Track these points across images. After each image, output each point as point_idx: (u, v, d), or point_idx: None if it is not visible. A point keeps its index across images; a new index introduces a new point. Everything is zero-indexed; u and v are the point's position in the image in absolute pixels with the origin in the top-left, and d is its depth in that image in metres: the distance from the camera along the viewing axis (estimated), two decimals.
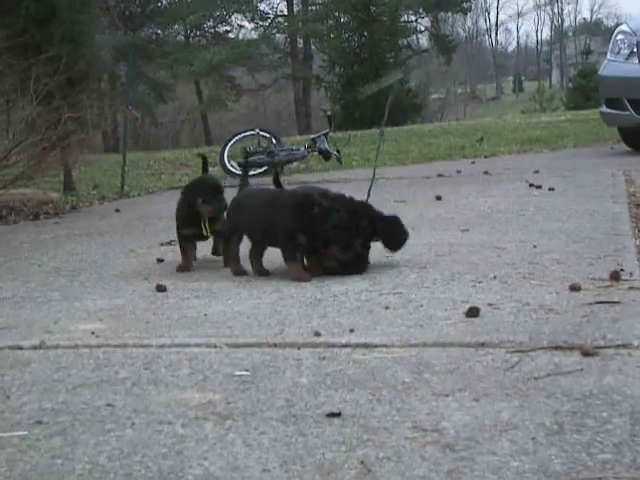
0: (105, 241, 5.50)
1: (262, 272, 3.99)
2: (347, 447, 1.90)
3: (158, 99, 34.71)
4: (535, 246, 4.20)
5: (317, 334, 2.82)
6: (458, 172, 8.49)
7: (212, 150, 14.18)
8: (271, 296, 3.50)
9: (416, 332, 2.79)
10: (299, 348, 2.70)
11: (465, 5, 38.52)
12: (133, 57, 19.00)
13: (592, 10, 79.70)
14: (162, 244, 5.03)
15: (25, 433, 2.09)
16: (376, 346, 2.66)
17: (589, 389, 2.17)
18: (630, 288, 3.20)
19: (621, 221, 4.79)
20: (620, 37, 9.25)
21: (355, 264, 3.84)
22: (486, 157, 10.59)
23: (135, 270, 4.34)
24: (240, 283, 3.83)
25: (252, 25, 37.32)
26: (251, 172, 10.25)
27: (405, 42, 35.11)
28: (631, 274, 3.42)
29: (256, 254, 4.04)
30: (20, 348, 2.89)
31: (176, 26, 36.50)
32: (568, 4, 79.05)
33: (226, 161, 10.47)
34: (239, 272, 4.03)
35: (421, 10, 36.90)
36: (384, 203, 4.58)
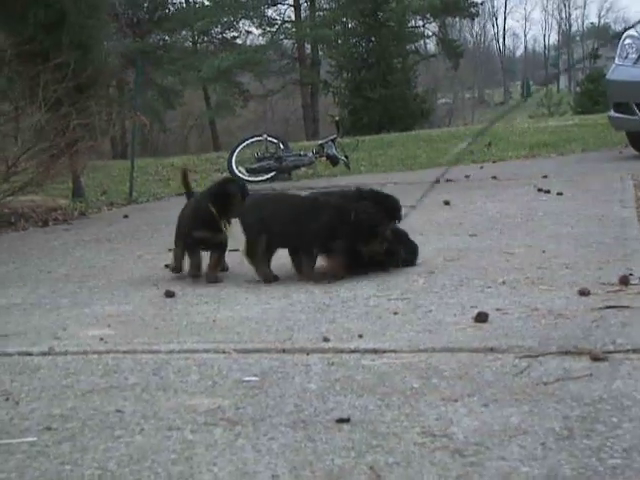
0: (114, 247, 5.52)
1: (272, 277, 3.95)
2: (356, 453, 1.90)
3: (166, 105, 34.82)
4: (544, 251, 4.19)
5: (326, 340, 2.82)
6: (467, 177, 8.47)
7: (220, 156, 14.23)
8: (280, 302, 3.50)
9: (425, 337, 2.79)
10: (308, 354, 2.69)
11: (473, 10, 38.51)
12: (141, 63, 19.11)
13: (599, 15, 79.60)
14: (170, 250, 5.02)
15: (34, 439, 2.09)
16: (385, 351, 2.66)
17: (599, 394, 2.16)
18: (639, 293, 3.20)
19: (630, 225, 4.77)
20: (628, 41, 9.22)
21: (396, 251, 3.96)
22: (494, 162, 10.55)
23: (144, 276, 4.35)
24: (248, 288, 3.83)
25: (260, 31, 37.49)
26: (259, 177, 10.31)
27: (413, 47, 35.19)
28: None
29: (267, 258, 3.99)
30: (29, 354, 2.90)
31: (184, 32, 36.64)
32: (576, 9, 79.00)
33: (234, 167, 10.51)
34: (269, 278, 3.93)
35: (428, 15, 36.91)
36: None
